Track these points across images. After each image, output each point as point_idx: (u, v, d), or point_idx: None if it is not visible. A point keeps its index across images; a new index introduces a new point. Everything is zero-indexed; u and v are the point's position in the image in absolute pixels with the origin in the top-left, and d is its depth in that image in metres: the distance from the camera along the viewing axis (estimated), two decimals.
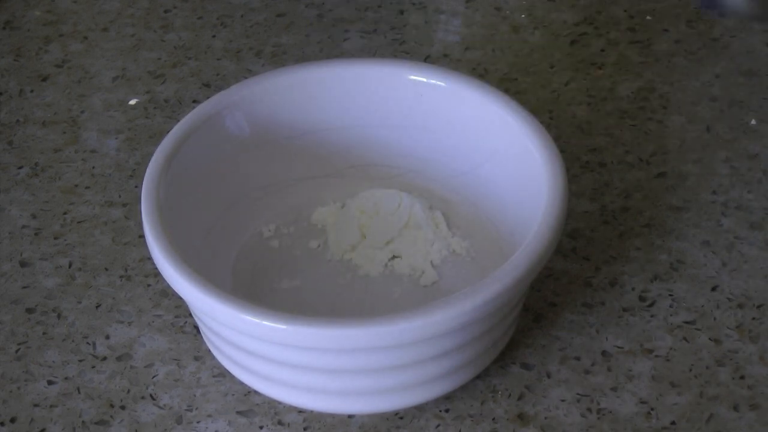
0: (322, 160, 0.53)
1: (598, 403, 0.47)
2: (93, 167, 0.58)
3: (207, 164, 0.50)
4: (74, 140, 0.60)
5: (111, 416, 0.47)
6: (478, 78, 0.55)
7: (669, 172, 0.57)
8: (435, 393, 0.45)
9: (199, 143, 0.49)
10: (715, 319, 0.50)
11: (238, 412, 0.47)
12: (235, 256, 0.51)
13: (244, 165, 0.52)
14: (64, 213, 0.56)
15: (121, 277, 0.53)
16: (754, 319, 0.50)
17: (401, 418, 0.47)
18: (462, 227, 0.52)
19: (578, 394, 0.48)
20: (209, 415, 0.47)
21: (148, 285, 0.52)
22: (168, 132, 0.49)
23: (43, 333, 0.51)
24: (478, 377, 0.47)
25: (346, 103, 0.52)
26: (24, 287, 0.53)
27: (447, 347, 0.43)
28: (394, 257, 0.51)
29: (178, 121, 0.50)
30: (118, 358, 0.50)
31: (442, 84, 0.51)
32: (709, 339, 0.49)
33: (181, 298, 0.48)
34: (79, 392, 0.48)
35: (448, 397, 0.47)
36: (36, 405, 0.48)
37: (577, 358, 0.49)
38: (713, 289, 0.51)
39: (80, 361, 0.50)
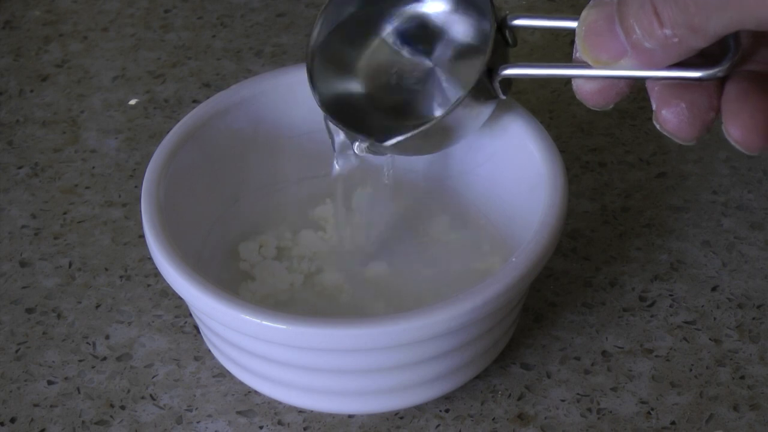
0: (322, 160, 0.53)
1: (598, 403, 0.47)
2: (93, 167, 0.58)
3: (207, 164, 0.50)
4: (74, 140, 0.60)
5: (111, 416, 0.47)
6: None
7: (669, 172, 0.57)
8: (435, 393, 0.45)
9: (199, 143, 0.49)
10: (715, 319, 0.50)
11: (238, 412, 0.47)
12: (235, 256, 0.51)
13: (245, 165, 0.52)
14: (64, 213, 0.56)
15: (121, 277, 0.53)
16: (754, 319, 0.50)
17: (401, 418, 0.47)
18: (462, 227, 0.52)
19: (578, 394, 0.48)
20: (209, 415, 0.47)
21: (148, 285, 0.52)
22: (168, 132, 0.49)
23: (43, 333, 0.51)
24: (478, 377, 0.47)
25: None
26: (24, 287, 0.53)
27: (447, 347, 0.43)
28: (393, 256, 0.51)
29: (178, 121, 0.50)
30: (118, 358, 0.50)
31: None
32: (709, 339, 0.49)
33: (181, 298, 0.48)
34: (79, 392, 0.48)
35: (448, 397, 0.47)
36: (36, 405, 0.48)
37: (577, 358, 0.49)
38: (713, 289, 0.51)
39: (80, 361, 0.50)
